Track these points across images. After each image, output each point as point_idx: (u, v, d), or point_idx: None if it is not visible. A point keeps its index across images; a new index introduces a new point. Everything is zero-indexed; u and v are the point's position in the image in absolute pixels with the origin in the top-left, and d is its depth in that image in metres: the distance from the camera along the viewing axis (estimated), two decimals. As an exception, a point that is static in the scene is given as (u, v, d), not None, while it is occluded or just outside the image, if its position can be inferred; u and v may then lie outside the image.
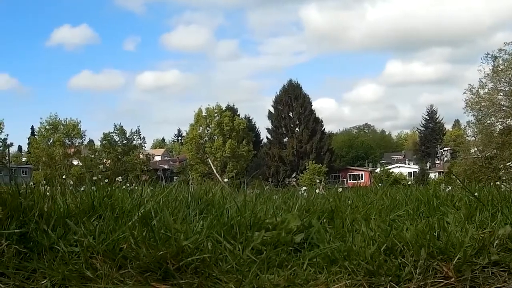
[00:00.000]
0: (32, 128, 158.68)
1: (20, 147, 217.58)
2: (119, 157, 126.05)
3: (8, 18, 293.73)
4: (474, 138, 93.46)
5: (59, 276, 4.45)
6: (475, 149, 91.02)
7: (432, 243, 5.02)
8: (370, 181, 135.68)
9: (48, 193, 6.07)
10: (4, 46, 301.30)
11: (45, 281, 4.47)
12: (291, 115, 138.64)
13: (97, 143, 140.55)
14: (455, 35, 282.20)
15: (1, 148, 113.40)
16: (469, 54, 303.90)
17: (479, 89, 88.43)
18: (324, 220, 6.04)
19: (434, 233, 5.29)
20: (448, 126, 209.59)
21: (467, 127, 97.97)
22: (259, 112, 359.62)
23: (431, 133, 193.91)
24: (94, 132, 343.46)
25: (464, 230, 5.49)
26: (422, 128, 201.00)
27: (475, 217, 6.20)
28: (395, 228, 5.54)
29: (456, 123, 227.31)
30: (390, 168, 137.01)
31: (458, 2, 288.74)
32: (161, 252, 4.51)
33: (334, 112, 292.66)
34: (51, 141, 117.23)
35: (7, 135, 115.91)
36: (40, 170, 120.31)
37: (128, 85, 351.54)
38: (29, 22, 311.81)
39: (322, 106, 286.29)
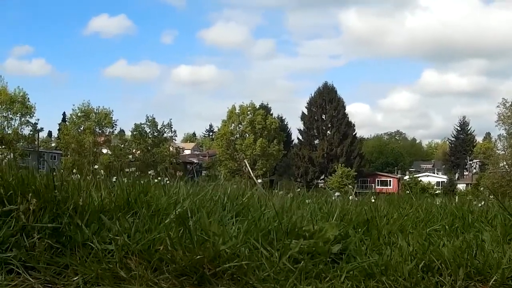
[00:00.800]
0: (64, 114, 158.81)
1: (50, 133, 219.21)
2: (149, 148, 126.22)
3: (47, 4, 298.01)
4: (504, 152, 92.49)
5: (92, 274, 4.32)
6: (504, 163, 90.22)
7: (470, 263, 4.87)
8: (398, 188, 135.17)
9: (82, 186, 5.97)
10: (42, 32, 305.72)
11: (77, 278, 4.34)
12: (324, 117, 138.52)
13: (128, 133, 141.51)
14: (493, 48, 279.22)
15: (31, 132, 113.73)
16: (506, 67, 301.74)
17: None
18: (360, 230, 5.90)
19: (472, 252, 5.14)
20: (479, 138, 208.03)
21: (497, 140, 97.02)
22: (292, 113, 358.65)
23: (462, 144, 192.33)
24: (126, 122, 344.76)
25: (501, 251, 5.32)
26: (453, 139, 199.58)
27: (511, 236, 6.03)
28: (432, 243, 5.38)
29: (487, 136, 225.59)
30: (419, 177, 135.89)
31: (497, 14, 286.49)
32: (198, 256, 4.37)
33: (367, 117, 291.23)
34: (81, 128, 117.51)
35: (38, 119, 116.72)
36: (69, 156, 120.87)
37: (163, 78, 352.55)
38: (67, 10, 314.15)
39: (356, 111, 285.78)
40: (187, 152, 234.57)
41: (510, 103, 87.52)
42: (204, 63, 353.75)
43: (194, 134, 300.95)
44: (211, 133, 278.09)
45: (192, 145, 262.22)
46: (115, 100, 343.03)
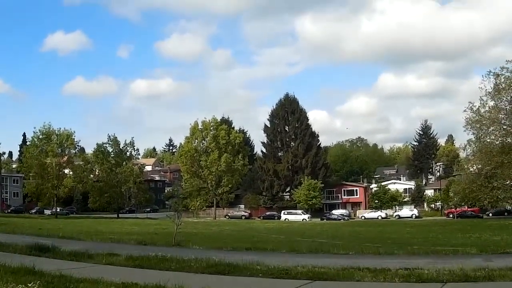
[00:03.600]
0: (24, 135, 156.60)
1: (10, 153, 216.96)
2: (112, 168, 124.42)
3: (2, 22, 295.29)
4: (473, 157, 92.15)
5: None
6: (474, 167, 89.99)
7: None
8: (365, 197, 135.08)
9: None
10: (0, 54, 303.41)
11: None
12: (287, 129, 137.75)
13: (89, 150, 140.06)
14: (450, 49, 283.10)
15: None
16: (464, 68, 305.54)
17: (479, 107, 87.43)
18: None
19: None
20: (441, 140, 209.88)
21: (467, 145, 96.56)
22: (252, 123, 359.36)
23: (425, 148, 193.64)
24: (87, 139, 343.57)
25: None
26: (415, 143, 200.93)
27: None
28: None
29: (450, 138, 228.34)
30: (386, 185, 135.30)
31: (454, 15, 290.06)
32: None
33: (326, 124, 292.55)
34: (43, 151, 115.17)
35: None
36: (31, 180, 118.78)
37: (121, 93, 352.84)
38: (23, 28, 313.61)
39: (314, 118, 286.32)
40: (148, 168, 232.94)
41: (477, 107, 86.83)
42: (162, 76, 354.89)
43: (154, 149, 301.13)
44: (171, 147, 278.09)
45: (152, 160, 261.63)
46: (75, 118, 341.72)
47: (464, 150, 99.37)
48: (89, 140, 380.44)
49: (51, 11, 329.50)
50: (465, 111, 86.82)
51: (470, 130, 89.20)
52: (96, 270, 12.80)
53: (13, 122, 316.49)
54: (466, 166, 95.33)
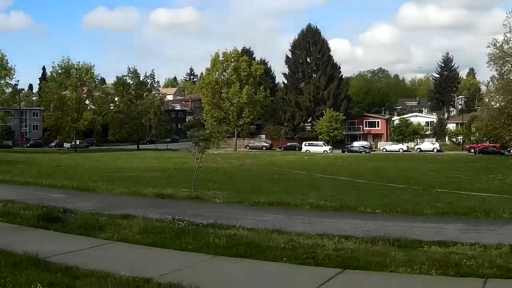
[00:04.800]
0: (44, 68, 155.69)
1: (31, 86, 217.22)
2: (133, 100, 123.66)
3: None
4: (496, 94, 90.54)
5: None
6: (497, 104, 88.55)
7: None
8: (387, 129, 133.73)
9: None
10: None
11: None
12: (308, 60, 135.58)
13: (110, 81, 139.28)
14: None
15: (12, 93, 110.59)
16: (486, 0, 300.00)
17: (503, 44, 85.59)
18: None
19: None
20: (462, 73, 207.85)
21: (490, 82, 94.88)
22: (275, 53, 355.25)
23: (446, 81, 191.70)
24: (108, 69, 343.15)
25: None
26: (437, 75, 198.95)
27: None
28: None
29: (471, 71, 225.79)
30: (407, 117, 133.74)
31: None
32: None
33: (348, 53, 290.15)
34: (63, 85, 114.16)
35: (18, 81, 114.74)
36: (51, 113, 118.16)
37: (142, 22, 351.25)
38: None
39: (336, 47, 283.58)
40: (169, 98, 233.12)
41: (500, 43, 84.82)
42: (183, 5, 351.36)
43: (175, 78, 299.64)
44: (192, 77, 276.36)
45: (173, 90, 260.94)
46: (96, 49, 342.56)
47: (487, 86, 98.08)
48: (110, 71, 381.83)
49: None
50: (488, 47, 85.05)
51: (493, 67, 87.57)
52: (107, 253, 11.93)
53: (33, 54, 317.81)
54: (487, 99, 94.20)
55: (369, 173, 54.79)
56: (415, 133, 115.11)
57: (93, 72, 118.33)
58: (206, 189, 31.52)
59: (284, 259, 11.10)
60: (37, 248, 10.92)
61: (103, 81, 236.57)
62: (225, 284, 9.75)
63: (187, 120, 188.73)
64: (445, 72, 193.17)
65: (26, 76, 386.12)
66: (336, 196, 29.84)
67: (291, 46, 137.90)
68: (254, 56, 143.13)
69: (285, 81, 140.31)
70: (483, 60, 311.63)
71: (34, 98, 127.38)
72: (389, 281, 9.80)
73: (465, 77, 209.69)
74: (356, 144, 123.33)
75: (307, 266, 10.73)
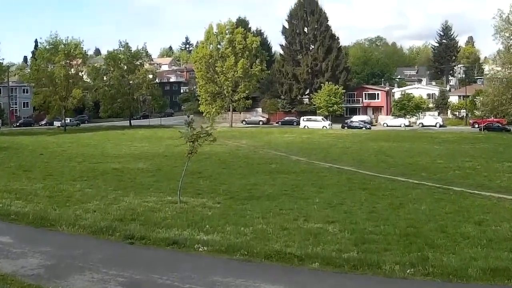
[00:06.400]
0: (36, 41, 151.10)
1: (25, 58, 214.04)
2: (124, 75, 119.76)
3: None
4: (503, 68, 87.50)
5: None
6: (504, 80, 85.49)
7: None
8: (387, 102, 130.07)
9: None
10: None
11: None
12: (306, 30, 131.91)
13: (105, 51, 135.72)
14: None
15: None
16: None
17: (509, 15, 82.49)
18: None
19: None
20: (461, 41, 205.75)
21: (496, 56, 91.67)
22: (271, 19, 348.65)
23: (445, 50, 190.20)
24: (103, 38, 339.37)
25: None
26: (436, 44, 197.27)
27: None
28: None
29: (470, 39, 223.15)
30: (408, 89, 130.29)
31: None
32: None
33: (344, 18, 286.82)
34: (51, 61, 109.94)
35: (3, 59, 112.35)
36: (39, 91, 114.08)
37: None
38: None
39: (332, 11, 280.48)
40: (164, 68, 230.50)
41: (506, 14, 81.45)
42: None
43: (170, 48, 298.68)
44: (187, 45, 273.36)
45: (168, 60, 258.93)
46: (90, 17, 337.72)
47: (493, 61, 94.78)
48: (105, 42, 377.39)
49: None
50: (493, 18, 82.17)
51: (499, 40, 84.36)
52: None
53: (28, 25, 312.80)
54: (493, 73, 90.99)
55: (374, 159, 51.33)
56: (418, 107, 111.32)
57: (82, 47, 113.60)
58: (194, 194, 29.25)
59: None
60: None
61: (98, 51, 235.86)
62: None
63: (182, 91, 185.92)
64: (444, 41, 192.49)
65: (21, 48, 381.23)
66: (342, 205, 26.45)
67: (287, 16, 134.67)
68: (249, 27, 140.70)
69: (282, 53, 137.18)
70: (482, 27, 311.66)
71: (27, 71, 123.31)
72: None
73: (463, 45, 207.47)
74: (356, 118, 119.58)
75: None
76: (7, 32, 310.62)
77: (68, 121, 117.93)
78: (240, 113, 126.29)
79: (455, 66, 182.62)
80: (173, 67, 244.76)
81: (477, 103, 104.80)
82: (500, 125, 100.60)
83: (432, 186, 34.20)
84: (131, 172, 40.32)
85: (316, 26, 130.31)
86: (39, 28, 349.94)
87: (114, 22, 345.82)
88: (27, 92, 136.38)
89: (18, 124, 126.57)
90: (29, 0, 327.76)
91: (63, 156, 54.20)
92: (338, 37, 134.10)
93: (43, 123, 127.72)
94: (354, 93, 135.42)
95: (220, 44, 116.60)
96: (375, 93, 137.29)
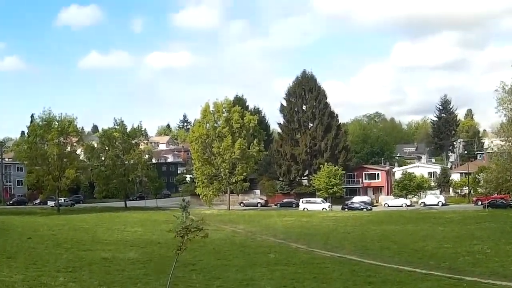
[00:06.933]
0: (32, 116, 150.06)
1: (23, 133, 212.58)
2: (119, 155, 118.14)
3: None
4: (507, 142, 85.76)
5: None
6: (508, 154, 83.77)
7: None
8: (388, 181, 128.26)
9: None
10: (14, 29, 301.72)
11: None
12: (304, 108, 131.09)
13: (103, 126, 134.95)
14: (466, 19, 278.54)
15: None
16: (480, 38, 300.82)
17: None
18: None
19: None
20: (459, 113, 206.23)
21: (500, 129, 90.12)
22: (269, 97, 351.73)
23: (445, 124, 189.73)
24: (102, 114, 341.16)
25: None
26: (435, 118, 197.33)
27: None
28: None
29: (469, 112, 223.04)
30: (409, 168, 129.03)
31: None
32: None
33: (342, 95, 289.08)
34: (44, 139, 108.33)
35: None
36: (32, 169, 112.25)
37: (136, 66, 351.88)
38: (37, 3, 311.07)
39: (330, 88, 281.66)
40: (162, 146, 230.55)
41: (509, 86, 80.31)
42: (177, 49, 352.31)
43: (168, 126, 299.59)
44: (185, 123, 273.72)
45: (166, 138, 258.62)
46: (89, 93, 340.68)
47: (496, 134, 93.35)
48: (103, 116, 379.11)
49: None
50: (496, 90, 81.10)
51: (502, 112, 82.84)
52: None
53: (27, 100, 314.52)
54: (497, 149, 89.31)
55: (377, 246, 49.00)
56: (420, 187, 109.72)
57: (76, 125, 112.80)
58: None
59: None
60: None
61: (95, 128, 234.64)
62: None
63: (179, 172, 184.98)
64: (444, 115, 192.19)
65: (19, 122, 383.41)
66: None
67: (285, 93, 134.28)
68: (247, 105, 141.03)
69: (280, 132, 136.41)
70: (480, 100, 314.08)
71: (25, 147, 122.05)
72: None
73: (462, 119, 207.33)
74: (356, 199, 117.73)
75: None
76: (7, 104, 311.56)
77: (62, 201, 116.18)
78: (238, 195, 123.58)
79: (454, 141, 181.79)
80: (170, 146, 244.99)
81: (480, 180, 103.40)
82: (504, 202, 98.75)
83: (442, 276, 31.77)
84: (120, 263, 37.87)
85: (314, 103, 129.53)
86: (38, 102, 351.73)
87: (112, 98, 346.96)
88: (21, 170, 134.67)
89: (11, 202, 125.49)
90: (29, 74, 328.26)
91: (51, 241, 52.04)
92: (337, 115, 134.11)
93: (37, 202, 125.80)
94: (354, 174, 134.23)
95: (217, 123, 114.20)
96: (375, 173, 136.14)
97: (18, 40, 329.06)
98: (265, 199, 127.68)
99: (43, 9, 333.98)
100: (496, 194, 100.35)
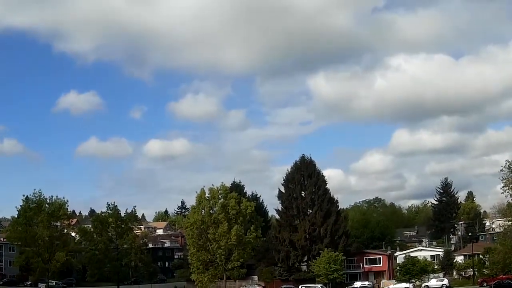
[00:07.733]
0: (27, 197, 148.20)
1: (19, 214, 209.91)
2: (113, 239, 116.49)
3: (17, 83, 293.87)
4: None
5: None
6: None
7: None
8: (389, 266, 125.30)
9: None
10: (14, 115, 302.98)
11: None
12: (303, 194, 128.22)
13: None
14: (464, 103, 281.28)
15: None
16: (478, 122, 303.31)
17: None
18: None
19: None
20: (460, 196, 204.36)
21: (507, 210, 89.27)
22: (267, 183, 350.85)
23: (446, 207, 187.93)
24: (100, 200, 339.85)
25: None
26: (436, 202, 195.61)
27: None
28: None
29: (470, 195, 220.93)
30: (411, 252, 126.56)
31: (467, 70, 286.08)
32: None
33: (341, 182, 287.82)
34: (34, 222, 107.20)
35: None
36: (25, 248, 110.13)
37: (135, 153, 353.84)
38: (37, 88, 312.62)
39: (329, 176, 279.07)
40: (159, 232, 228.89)
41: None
42: (176, 137, 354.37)
43: (166, 211, 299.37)
44: (183, 210, 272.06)
45: (164, 224, 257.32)
46: (88, 179, 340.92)
47: (503, 214, 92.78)
48: (102, 202, 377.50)
49: (64, 71, 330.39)
50: (501, 170, 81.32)
51: (508, 192, 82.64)
52: None
53: (26, 183, 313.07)
54: (503, 229, 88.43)
55: None
56: (423, 270, 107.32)
57: (67, 208, 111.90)
58: None
59: None
60: None
61: (92, 212, 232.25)
62: None
63: (176, 257, 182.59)
64: (444, 198, 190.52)
65: (17, 203, 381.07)
66: None
67: (284, 179, 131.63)
68: (245, 191, 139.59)
69: (279, 218, 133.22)
70: (479, 182, 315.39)
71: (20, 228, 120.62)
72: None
73: (463, 202, 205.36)
74: (357, 284, 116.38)
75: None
76: (5, 185, 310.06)
77: (54, 283, 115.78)
78: (235, 281, 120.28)
79: (456, 223, 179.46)
80: (168, 231, 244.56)
81: (486, 261, 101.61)
82: (511, 282, 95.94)
83: None
84: None
85: (313, 189, 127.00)
86: (36, 184, 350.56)
87: (110, 184, 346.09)
88: (13, 251, 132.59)
89: (2, 282, 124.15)
90: (27, 157, 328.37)
91: None
92: (337, 200, 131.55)
93: (28, 283, 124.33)
94: (354, 259, 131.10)
95: (212, 209, 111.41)
96: (376, 258, 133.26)
97: (18, 124, 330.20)
98: (263, 285, 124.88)
99: (43, 95, 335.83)
100: (502, 275, 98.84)
